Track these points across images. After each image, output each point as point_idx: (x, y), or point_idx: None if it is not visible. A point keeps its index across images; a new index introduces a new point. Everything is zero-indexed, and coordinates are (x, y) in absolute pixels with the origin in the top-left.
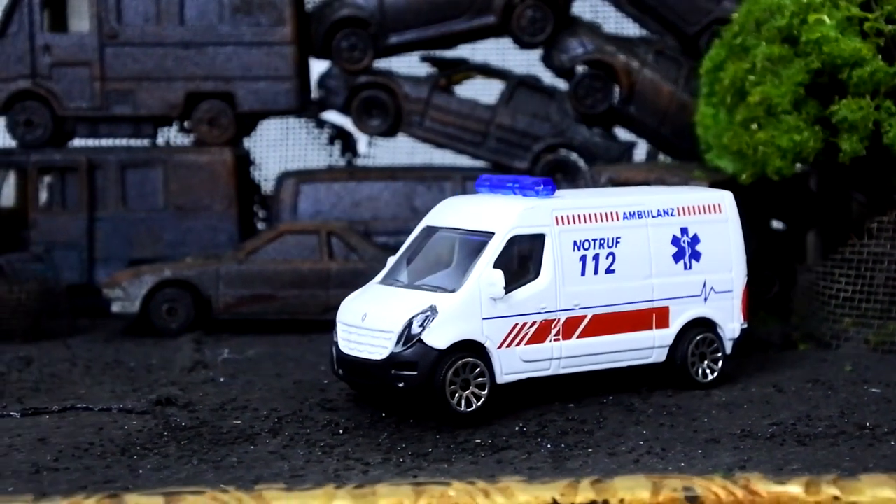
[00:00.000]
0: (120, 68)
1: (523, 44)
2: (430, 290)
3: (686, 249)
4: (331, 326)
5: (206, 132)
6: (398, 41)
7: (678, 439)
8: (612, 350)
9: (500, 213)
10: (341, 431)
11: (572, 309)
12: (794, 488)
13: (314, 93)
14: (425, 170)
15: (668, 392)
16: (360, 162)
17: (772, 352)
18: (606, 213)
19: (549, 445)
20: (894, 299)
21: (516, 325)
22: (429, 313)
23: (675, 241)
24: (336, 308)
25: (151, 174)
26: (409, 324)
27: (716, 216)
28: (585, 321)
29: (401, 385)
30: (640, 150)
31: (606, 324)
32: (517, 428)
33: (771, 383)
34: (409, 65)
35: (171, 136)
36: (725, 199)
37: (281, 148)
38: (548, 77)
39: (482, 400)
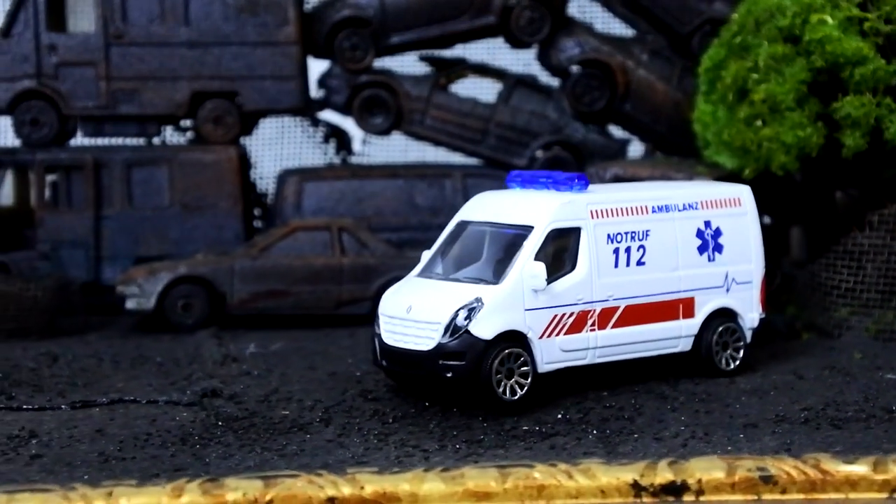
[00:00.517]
0: (126, 68)
1: (521, 43)
2: (471, 282)
3: (709, 242)
4: (341, 321)
5: (210, 131)
6: (400, 41)
7: (717, 424)
8: (643, 340)
9: (538, 208)
10: (390, 420)
11: (606, 300)
12: (862, 468)
13: (314, 92)
14: (426, 167)
15: (695, 380)
16: (353, 160)
17: (779, 341)
18: (637, 207)
19: (594, 432)
20: (893, 289)
21: (556, 315)
22: (475, 305)
23: (700, 233)
24: (348, 303)
25: (157, 172)
26: (456, 315)
27: (736, 209)
28: (619, 312)
29: (448, 375)
30: (633, 148)
31: (638, 314)
32: (559, 416)
33: (790, 371)
34: (400, 64)
35: (168, 135)
36: (744, 193)
37: (276, 146)
38: (542, 76)
39: (525, 389)
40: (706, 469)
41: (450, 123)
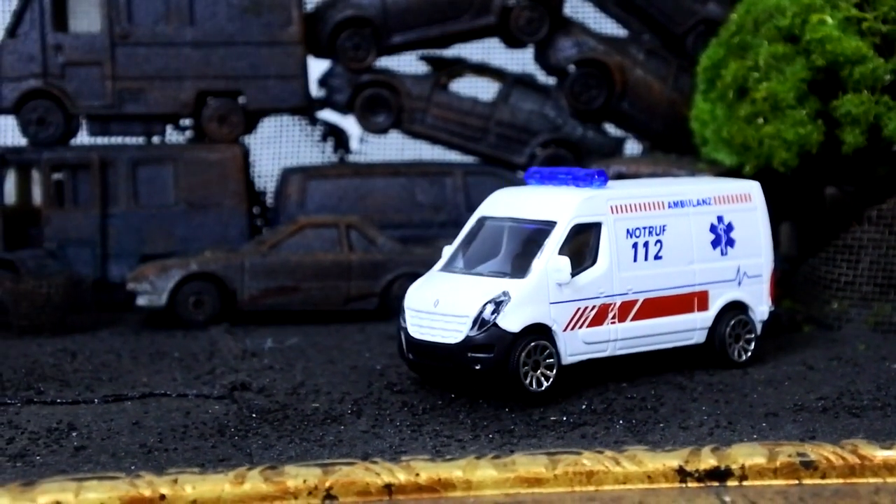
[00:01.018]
0: (131, 68)
1: (518, 43)
2: (495, 276)
3: (722, 236)
4: (349, 317)
5: (215, 130)
6: (401, 41)
7: (739, 413)
8: (661, 332)
9: (560, 203)
10: (420, 412)
11: (626, 293)
12: None
13: (315, 91)
14: (428, 165)
15: (709, 371)
16: (351, 158)
17: (783, 334)
18: (654, 203)
19: (621, 421)
20: (891, 282)
21: (578, 308)
22: (503, 298)
23: (713, 228)
24: (356, 299)
25: (162, 171)
26: (484, 308)
27: (746, 205)
28: (637, 305)
29: (477, 367)
30: (629, 146)
31: (655, 307)
32: (584, 406)
33: (799, 362)
34: (398, 63)
35: (168, 133)
36: (754, 188)
37: (274, 145)
38: (539, 75)
39: (551, 380)
40: (748, 455)
41: (451, 122)
